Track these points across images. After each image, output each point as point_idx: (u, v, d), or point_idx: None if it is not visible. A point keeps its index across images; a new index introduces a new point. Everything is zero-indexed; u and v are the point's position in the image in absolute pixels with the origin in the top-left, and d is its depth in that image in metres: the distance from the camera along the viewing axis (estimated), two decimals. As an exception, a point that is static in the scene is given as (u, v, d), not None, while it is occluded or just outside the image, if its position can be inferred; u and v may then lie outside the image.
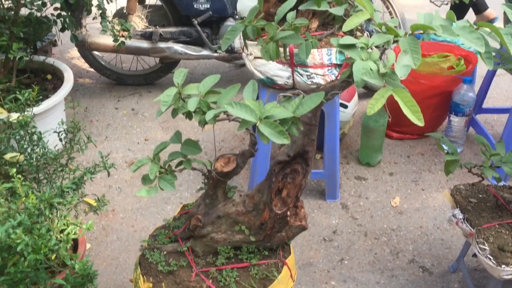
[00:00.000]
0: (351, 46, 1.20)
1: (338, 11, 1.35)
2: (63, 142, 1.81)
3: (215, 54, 3.27)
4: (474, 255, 2.17)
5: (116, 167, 2.70)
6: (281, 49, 1.46)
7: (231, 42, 1.33)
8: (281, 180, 1.47)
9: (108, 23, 2.44)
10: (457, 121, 2.82)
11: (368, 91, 3.42)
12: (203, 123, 1.31)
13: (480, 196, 1.90)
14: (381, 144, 2.76)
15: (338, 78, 2.20)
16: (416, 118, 1.12)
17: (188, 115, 1.37)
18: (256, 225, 1.50)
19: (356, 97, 2.89)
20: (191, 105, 1.27)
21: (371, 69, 1.17)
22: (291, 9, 1.36)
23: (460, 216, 1.82)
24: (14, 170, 1.34)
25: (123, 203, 2.53)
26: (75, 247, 1.83)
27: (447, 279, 2.15)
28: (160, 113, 1.33)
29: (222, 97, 1.31)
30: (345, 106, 2.77)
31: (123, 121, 3.17)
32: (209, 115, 1.26)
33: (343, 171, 2.77)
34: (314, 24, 2.20)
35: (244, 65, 3.77)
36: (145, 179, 1.39)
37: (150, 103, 3.36)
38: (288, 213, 1.48)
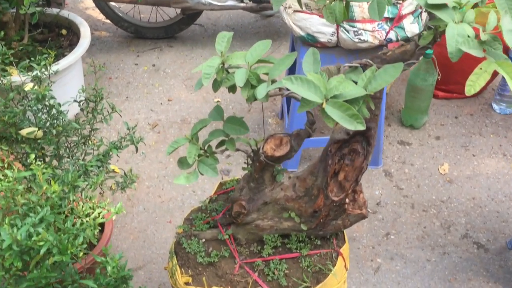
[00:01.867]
0: (442, 6, 0.95)
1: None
2: (85, 112, 1.61)
3: (242, 4, 2.98)
4: (536, 231, 1.97)
5: (139, 131, 2.53)
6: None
7: (284, 0, 1.08)
8: (338, 162, 1.27)
9: (126, -29, 2.17)
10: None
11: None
12: (251, 99, 1.09)
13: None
14: (428, 105, 2.51)
15: (388, 33, 1.94)
16: (526, 98, 0.89)
17: (232, 88, 1.15)
18: (308, 213, 1.31)
19: (399, 52, 2.62)
20: (239, 78, 1.05)
21: (468, 36, 0.93)
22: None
23: (533, 194, 1.61)
24: (33, 156, 1.15)
25: (148, 170, 2.36)
26: (101, 228, 1.67)
27: (505, 257, 1.97)
28: (200, 86, 1.11)
29: (275, 67, 1.08)
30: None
31: (143, 79, 2.95)
32: (261, 91, 1.04)
33: (385, 134, 2.54)
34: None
35: (271, 15, 3.48)
36: (182, 163, 1.19)
37: (171, 59, 3.12)
38: (346, 200, 1.29)
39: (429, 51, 2.24)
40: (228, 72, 1.13)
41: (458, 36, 0.92)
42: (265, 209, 1.33)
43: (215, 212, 1.45)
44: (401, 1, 1.89)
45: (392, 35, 1.94)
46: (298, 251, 1.35)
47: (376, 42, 1.93)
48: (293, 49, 2.38)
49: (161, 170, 2.36)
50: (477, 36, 0.95)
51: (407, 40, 2.03)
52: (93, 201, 1.42)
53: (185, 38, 3.33)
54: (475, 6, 0.99)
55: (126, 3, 2.98)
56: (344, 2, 1.10)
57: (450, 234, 2.06)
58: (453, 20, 0.95)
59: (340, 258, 1.36)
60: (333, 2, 1.04)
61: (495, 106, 2.69)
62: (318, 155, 2.37)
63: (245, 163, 1.33)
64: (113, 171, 2.27)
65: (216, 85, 1.14)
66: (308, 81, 0.96)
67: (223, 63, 1.12)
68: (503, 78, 2.54)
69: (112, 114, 1.59)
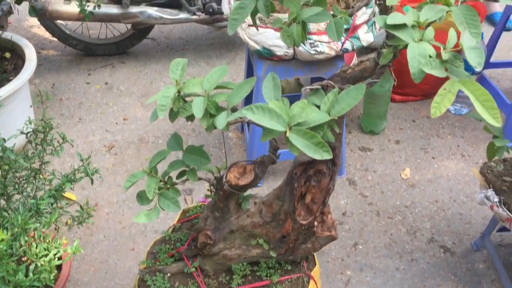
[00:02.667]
0: (401, 26, 0.93)
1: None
2: (33, 144, 1.51)
3: (194, 17, 2.92)
4: (500, 230, 2.00)
5: (94, 154, 2.43)
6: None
7: (239, 24, 1.04)
8: (304, 184, 1.23)
9: (71, -10, 2.07)
10: (466, 80, 2.59)
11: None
12: (211, 129, 1.04)
13: (514, 173, 1.70)
14: (386, 110, 2.52)
15: (344, 44, 1.93)
16: (491, 117, 0.88)
17: (190, 117, 1.09)
18: (277, 238, 1.27)
19: (355, 59, 2.62)
20: (197, 108, 0.99)
21: (430, 56, 0.91)
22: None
23: (495, 198, 1.62)
24: (-26, 204, 1.06)
25: (107, 195, 2.26)
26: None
27: (471, 259, 1.98)
28: (156, 118, 1.05)
29: (233, 94, 1.03)
30: (345, 71, 2.50)
31: (96, 98, 2.84)
32: (221, 121, 0.99)
33: (346, 141, 2.54)
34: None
35: (225, 26, 3.43)
36: (142, 198, 1.12)
37: (125, 75, 3.02)
38: (315, 222, 1.25)
39: (384, 58, 2.25)
40: (185, 101, 1.07)
41: (419, 57, 0.90)
42: (232, 238, 1.28)
43: (180, 242, 1.39)
44: (354, 12, 1.88)
45: (348, 45, 1.93)
46: (268, 278, 1.30)
47: (333, 53, 1.92)
48: (249, 61, 2.35)
49: (121, 194, 2.26)
50: (438, 54, 0.93)
51: (363, 49, 2.03)
52: (47, 240, 1.33)
53: (138, 53, 3.24)
54: (430, 24, 0.97)
55: (74, 20, 2.86)
56: (301, 23, 1.06)
57: (417, 239, 2.07)
58: (413, 39, 0.93)
59: (311, 281, 1.32)
60: (291, 25, 1.00)
61: (450, 107, 2.73)
62: (281, 168, 2.35)
63: (208, 190, 1.27)
64: (69, 199, 2.17)
65: (173, 115, 1.08)
66: (269, 110, 0.92)
67: (179, 92, 1.06)
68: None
69: (63, 144, 1.50)
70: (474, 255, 2.00)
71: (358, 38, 1.93)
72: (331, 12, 1.08)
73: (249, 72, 2.39)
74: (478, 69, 0.87)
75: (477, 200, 1.71)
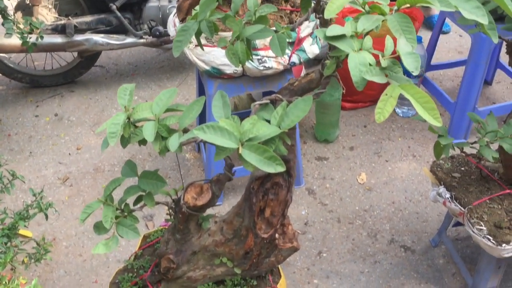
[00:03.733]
0: (341, 37, 0.97)
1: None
2: (-19, 184, 1.46)
3: (141, 41, 2.91)
4: (455, 224, 2.07)
5: (49, 187, 2.36)
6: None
7: (184, 46, 1.05)
8: (262, 198, 1.24)
9: (12, 23, 2.03)
10: (410, 83, 2.69)
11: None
12: (164, 152, 1.04)
13: (463, 169, 1.77)
14: (338, 119, 2.58)
15: (291, 57, 1.97)
16: (432, 117, 0.92)
17: (142, 141, 1.09)
18: (240, 255, 1.27)
19: (304, 71, 2.68)
20: (148, 133, 0.99)
21: (370, 64, 0.94)
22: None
23: (447, 194, 1.69)
24: None
25: (65, 228, 2.20)
26: (19, 306, 1.52)
27: (431, 255, 2.05)
28: (107, 146, 1.04)
29: (184, 116, 1.04)
30: (295, 83, 2.55)
31: (47, 130, 2.78)
32: (173, 143, 0.99)
33: (302, 152, 2.58)
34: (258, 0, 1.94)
35: (171, 48, 3.43)
36: (99, 228, 1.11)
37: (75, 105, 2.97)
38: (276, 235, 1.26)
39: (331, 68, 2.31)
40: (136, 127, 1.07)
41: (360, 65, 0.94)
42: (195, 259, 1.27)
43: (143, 269, 1.37)
44: (298, 26, 1.93)
45: (295, 59, 1.97)
46: (235, 295, 1.30)
47: (281, 67, 1.95)
48: (200, 81, 2.36)
49: (79, 226, 2.21)
50: (377, 62, 0.97)
51: (310, 61, 2.08)
52: (3, 282, 1.28)
53: (87, 81, 3.19)
54: (368, 33, 1.01)
55: (17, 52, 2.80)
56: (246, 41, 1.09)
57: (378, 242, 2.11)
58: (352, 49, 0.97)
59: (278, 294, 1.33)
60: (235, 43, 1.02)
61: (397, 110, 2.83)
62: (240, 184, 2.36)
63: (167, 214, 1.26)
64: (25, 236, 2.10)
65: (124, 142, 1.08)
66: (220, 128, 0.93)
67: (128, 118, 1.05)
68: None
69: (13, 181, 1.46)
70: (434, 252, 2.06)
71: (304, 51, 1.98)
72: (274, 28, 1.11)
73: (201, 92, 2.40)
74: (415, 73, 0.91)
75: (430, 197, 1.77)
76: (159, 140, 1.03)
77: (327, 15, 0.98)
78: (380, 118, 0.91)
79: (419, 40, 2.59)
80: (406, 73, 2.69)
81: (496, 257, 1.62)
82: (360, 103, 2.86)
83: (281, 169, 0.90)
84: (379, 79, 0.94)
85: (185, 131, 1.04)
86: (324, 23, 1.12)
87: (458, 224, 2.05)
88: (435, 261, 2.02)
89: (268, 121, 1.03)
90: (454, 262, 1.99)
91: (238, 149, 0.93)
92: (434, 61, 3.02)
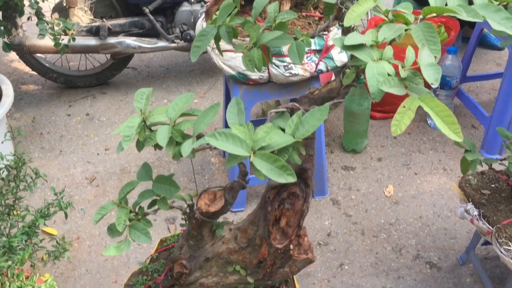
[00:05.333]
0: (359, 46, 0.94)
1: (329, -4, 1.08)
2: (6, 181, 1.50)
3: (173, 45, 2.94)
4: (485, 243, 1.99)
5: (76, 186, 2.41)
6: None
7: (203, 51, 1.04)
8: (278, 208, 1.22)
9: (46, 24, 2.08)
10: (444, 95, 2.62)
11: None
12: (178, 157, 1.03)
13: (493, 186, 1.70)
14: (366, 129, 2.53)
15: (318, 65, 1.94)
16: (452, 132, 0.88)
17: (158, 146, 1.08)
18: (253, 264, 1.25)
19: (333, 77, 2.65)
20: (161, 137, 0.99)
21: (388, 74, 0.91)
22: None
23: (475, 212, 1.62)
24: None
25: (89, 228, 2.23)
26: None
27: (457, 273, 1.97)
28: (122, 149, 1.04)
29: (199, 121, 1.03)
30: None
31: (77, 130, 2.83)
32: (186, 148, 0.99)
33: (328, 161, 2.54)
34: (286, 6, 1.92)
35: (205, 52, 3.45)
36: (112, 230, 1.11)
37: (106, 106, 3.02)
38: (291, 246, 1.24)
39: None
40: (151, 130, 1.07)
41: (378, 76, 0.91)
42: (208, 266, 1.26)
43: (157, 273, 1.37)
44: (326, 32, 1.91)
45: (322, 66, 1.94)
46: (248, 305, 1.28)
47: (308, 75, 1.93)
48: (227, 86, 2.36)
49: (103, 226, 2.23)
50: (397, 73, 0.94)
51: (337, 68, 2.04)
52: (21, 278, 1.30)
53: (119, 83, 3.24)
54: (391, 42, 0.98)
55: (52, 53, 2.87)
56: (264, 47, 1.07)
57: (402, 257, 2.05)
58: (371, 59, 0.94)
59: (292, 306, 1.30)
60: (251, 49, 1.00)
61: (430, 121, 2.75)
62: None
63: (182, 219, 1.26)
64: (50, 234, 2.14)
65: (140, 145, 1.08)
66: (232, 136, 0.91)
67: (144, 121, 1.05)
68: (436, 95, 2.62)
69: (36, 180, 1.49)
70: (461, 270, 1.99)
71: (331, 59, 1.95)
72: (293, 35, 1.09)
73: (228, 97, 2.40)
74: (435, 85, 0.87)
75: (457, 214, 1.71)
76: (173, 144, 1.03)
77: (347, 23, 0.96)
78: (396, 131, 0.87)
79: (454, 51, 2.52)
80: (442, 83, 2.61)
81: (525, 280, 1.55)
82: (390, 113, 2.80)
83: (292, 179, 0.88)
84: (397, 90, 0.90)
85: (199, 137, 1.03)
86: (346, 31, 1.09)
87: (487, 242, 1.96)
88: (462, 280, 1.95)
89: (284, 130, 1.01)
90: (482, 281, 1.91)
91: (250, 157, 0.91)
92: (471, 72, 2.93)
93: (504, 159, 1.43)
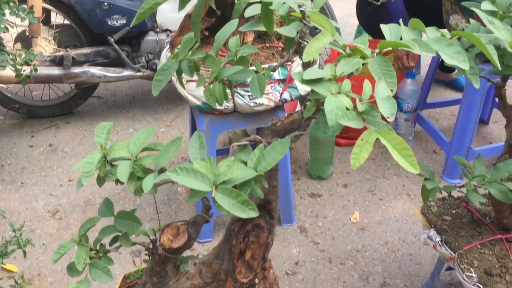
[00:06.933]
0: (318, 80, 0.96)
1: (289, 31, 1.10)
2: (-39, 218, 1.44)
3: (139, 74, 2.93)
4: (449, 268, 2.02)
5: (37, 220, 2.34)
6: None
7: (164, 85, 1.04)
8: (242, 241, 1.21)
9: (7, 54, 2.04)
10: (404, 118, 2.69)
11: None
12: (139, 192, 1.02)
13: (454, 212, 1.74)
14: (332, 155, 2.57)
15: (282, 94, 1.97)
16: (409, 164, 0.90)
17: (119, 180, 1.07)
18: (219, 298, 1.23)
19: (298, 106, 2.68)
20: (122, 173, 0.98)
21: (347, 108, 0.93)
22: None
23: (437, 238, 1.65)
24: None
25: (50, 264, 2.16)
26: None
27: (423, 300, 1.99)
28: (81, 185, 1.02)
29: (161, 156, 1.02)
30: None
31: (40, 161, 2.77)
32: (147, 184, 0.98)
33: (295, 188, 2.55)
34: (250, 37, 1.95)
35: (171, 80, 3.45)
36: (72, 270, 1.08)
37: (70, 136, 2.97)
38: (256, 280, 1.23)
39: (324, 106, 2.31)
40: (112, 165, 1.06)
41: (337, 110, 0.92)
42: (172, 302, 1.23)
43: (120, 310, 1.33)
44: (289, 63, 1.94)
45: (286, 95, 1.97)
46: None
47: (272, 104, 1.95)
48: (192, 116, 2.36)
49: (66, 261, 2.15)
50: (355, 106, 0.96)
51: (301, 97, 2.08)
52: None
53: (83, 112, 3.20)
54: (349, 76, 1.01)
55: (14, 83, 2.82)
56: (224, 81, 1.08)
57: (369, 285, 2.06)
58: (330, 93, 0.96)
59: None
60: (212, 84, 1.01)
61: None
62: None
63: (146, 254, 1.23)
64: (10, 271, 2.06)
65: (100, 180, 1.06)
66: (194, 171, 0.91)
67: (105, 157, 1.04)
68: (396, 118, 2.68)
69: (-6, 216, 1.44)
70: (427, 295, 2.01)
71: (295, 88, 1.98)
72: (254, 68, 1.10)
73: (194, 126, 2.39)
74: (390, 119, 0.90)
75: (421, 240, 1.73)
76: (135, 180, 1.01)
77: (305, 58, 0.98)
78: (355, 164, 0.89)
79: (412, 75, 2.60)
80: (401, 107, 2.66)
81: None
82: (355, 140, 2.83)
83: (254, 214, 0.88)
84: (355, 124, 0.92)
85: (162, 171, 1.02)
86: (306, 65, 1.11)
87: (451, 268, 1.99)
88: (428, 306, 1.97)
89: (246, 163, 1.01)
90: (447, 307, 1.93)
91: (212, 192, 0.91)
92: (431, 99, 3.02)
93: (463, 186, 1.47)
